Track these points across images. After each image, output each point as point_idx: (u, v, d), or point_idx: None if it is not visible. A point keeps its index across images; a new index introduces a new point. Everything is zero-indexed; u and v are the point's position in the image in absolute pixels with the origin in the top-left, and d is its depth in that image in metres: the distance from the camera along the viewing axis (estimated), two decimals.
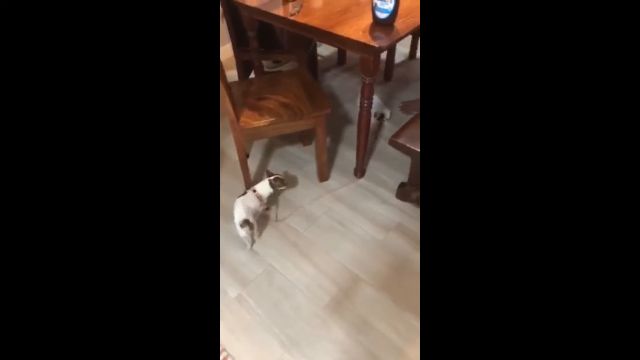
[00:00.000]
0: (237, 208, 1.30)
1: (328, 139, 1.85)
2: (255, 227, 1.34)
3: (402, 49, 2.46)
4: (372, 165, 1.71)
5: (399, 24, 1.22)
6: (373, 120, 1.92)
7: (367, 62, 1.21)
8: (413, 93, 2.12)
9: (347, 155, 1.75)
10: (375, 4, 1.17)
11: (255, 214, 1.35)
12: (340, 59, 2.40)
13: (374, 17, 1.21)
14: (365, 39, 1.16)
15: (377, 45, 1.13)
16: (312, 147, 1.81)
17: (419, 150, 1.22)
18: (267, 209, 1.48)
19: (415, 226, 1.44)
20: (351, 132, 1.88)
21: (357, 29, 1.20)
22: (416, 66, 2.36)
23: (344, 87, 2.21)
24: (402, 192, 1.52)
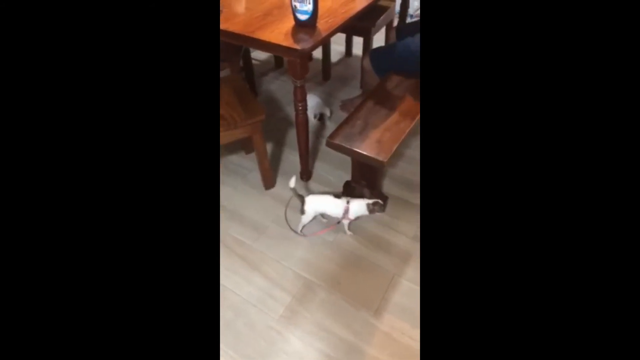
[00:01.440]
0: (319, 199, 1.34)
1: (271, 144, 1.82)
2: (306, 220, 1.34)
3: (338, 47, 2.48)
4: (318, 166, 1.71)
5: (322, 25, 1.21)
6: (314, 121, 1.92)
7: (294, 65, 1.19)
8: (352, 91, 2.15)
9: (293, 159, 1.73)
10: (295, 6, 1.16)
11: (319, 215, 1.37)
12: (278, 62, 2.37)
13: (295, 19, 1.19)
14: (288, 42, 1.14)
15: (300, 48, 1.11)
16: (254, 155, 1.76)
17: (354, 149, 1.23)
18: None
19: (361, 222, 1.45)
20: (294, 136, 1.86)
21: (279, 33, 1.18)
22: (353, 63, 2.39)
23: (284, 90, 2.18)
24: (348, 191, 1.53)
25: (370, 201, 1.31)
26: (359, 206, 1.31)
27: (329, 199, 1.34)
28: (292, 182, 1.33)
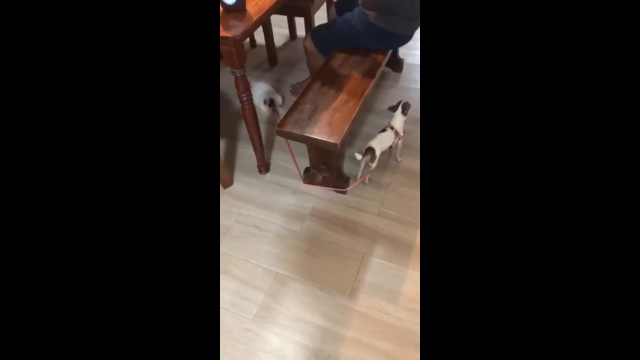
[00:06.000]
0: (379, 138, 1.39)
1: (224, 141, 1.74)
2: (376, 162, 1.39)
3: (282, 30, 2.39)
4: (276, 156, 1.66)
5: (252, 8, 1.14)
6: (266, 110, 1.85)
7: (230, 54, 1.12)
8: (301, 74, 2.09)
9: (248, 153, 1.66)
10: None
11: (385, 150, 1.42)
12: None
13: (222, 4, 1.11)
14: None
15: (231, 35, 1.04)
16: None
17: (306, 134, 1.19)
18: (400, 138, 1.47)
19: (326, 206, 1.43)
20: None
21: None
22: (299, 46, 2.32)
23: (230, 82, 2.08)
24: (309, 177, 1.50)
25: (401, 104, 1.43)
26: (399, 120, 1.44)
27: (383, 135, 1.41)
28: (358, 156, 1.38)
